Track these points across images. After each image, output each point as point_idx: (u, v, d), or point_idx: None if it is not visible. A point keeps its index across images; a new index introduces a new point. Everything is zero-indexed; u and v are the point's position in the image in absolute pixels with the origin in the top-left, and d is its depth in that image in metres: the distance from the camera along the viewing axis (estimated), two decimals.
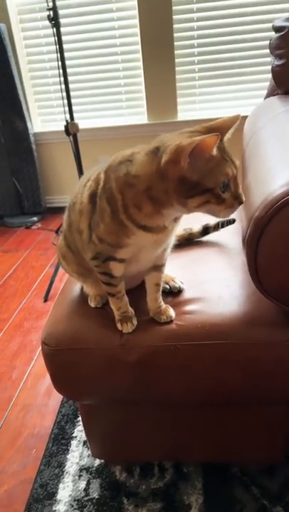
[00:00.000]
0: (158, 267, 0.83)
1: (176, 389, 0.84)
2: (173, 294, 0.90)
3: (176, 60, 2.42)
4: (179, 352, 0.79)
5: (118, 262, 0.77)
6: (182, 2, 2.31)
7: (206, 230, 1.09)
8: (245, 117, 1.34)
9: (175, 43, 2.38)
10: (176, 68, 2.43)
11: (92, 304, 0.89)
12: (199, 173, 0.63)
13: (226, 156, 0.65)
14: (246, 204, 0.74)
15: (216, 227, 1.08)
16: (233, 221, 1.06)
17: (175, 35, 2.36)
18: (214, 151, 0.62)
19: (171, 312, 0.84)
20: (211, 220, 1.08)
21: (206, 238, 1.10)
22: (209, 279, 0.92)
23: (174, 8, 2.30)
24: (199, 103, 2.55)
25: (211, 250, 1.05)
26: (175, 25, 2.34)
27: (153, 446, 1.02)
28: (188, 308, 0.85)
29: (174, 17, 2.33)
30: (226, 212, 0.68)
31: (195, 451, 1.02)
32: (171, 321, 0.83)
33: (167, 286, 0.90)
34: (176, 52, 2.39)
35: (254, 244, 0.68)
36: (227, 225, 1.06)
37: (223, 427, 0.95)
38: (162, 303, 0.85)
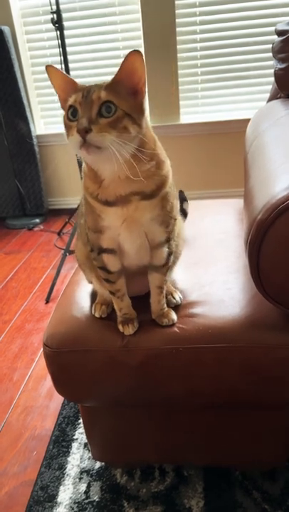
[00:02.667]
0: (158, 268, 0.81)
1: (178, 392, 0.83)
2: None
3: (179, 63, 2.43)
4: (180, 355, 0.79)
5: (108, 253, 0.78)
6: (185, 6, 2.32)
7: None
8: (247, 120, 1.35)
9: (178, 46, 2.39)
10: (179, 71, 2.44)
11: (97, 314, 0.87)
12: (61, 100, 0.69)
13: (85, 88, 0.66)
14: (248, 207, 0.74)
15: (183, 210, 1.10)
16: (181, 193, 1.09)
17: (178, 38, 2.37)
18: (57, 78, 0.68)
19: (174, 316, 0.83)
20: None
21: (206, 240, 1.10)
22: (211, 281, 0.92)
23: (176, 11, 2.32)
24: (202, 106, 2.55)
25: (212, 253, 1.05)
26: (178, 29, 2.35)
27: (154, 449, 1.02)
28: (190, 311, 0.85)
29: (177, 20, 2.34)
30: (70, 141, 0.65)
31: (196, 454, 1.01)
32: (173, 325, 0.82)
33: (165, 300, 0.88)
34: (178, 55, 2.40)
35: (256, 247, 0.68)
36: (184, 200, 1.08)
37: (226, 431, 0.95)
38: (165, 306, 0.85)
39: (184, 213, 1.12)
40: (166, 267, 0.82)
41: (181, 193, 1.12)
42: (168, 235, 0.79)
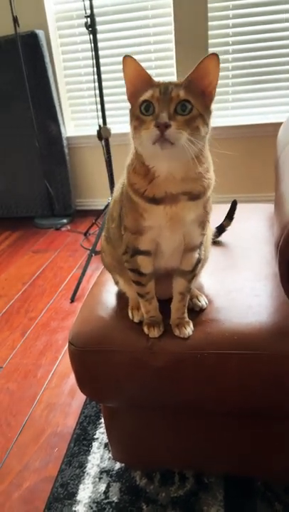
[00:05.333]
0: (184, 274, 0.81)
1: (201, 397, 0.83)
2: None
3: None
4: (205, 360, 0.78)
5: (144, 255, 0.78)
6: (218, 9, 2.31)
7: (220, 229, 1.11)
8: (279, 124, 1.33)
9: (209, 49, 2.37)
10: None
11: (136, 319, 0.87)
12: (135, 99, 0.68)
13: (161, 85, 0.65)
14: (280, 212, 0.73)
15: (228, 222, 1.11)
16: (235, 203, 1.10)
17: (210, 41, 2.36)
18: (132, 71, 0.67)
19: (188, 330, 0.81)
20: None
21: (235, 245, 1.09)
22: (238, 288, 0.91)
23: (209, 14, 2.31)
24: (232, 109, 2.53)
25: (240, 259, 1.04)
26: (210, 32, 2.34)
27: (174, 453, 1.01)
28: (216, 316, 0.84)
29: (209, 23, 2.32)
30: (144, 134, 0.65)
31: (218, 462, 1.00)
32: (185, 339, 0.80)
33: (190, 303, 0.88)
34: None
35: (287, 253, 0.67)
36: (233, 212, 1.11)
37: (248, 440, 0.93)
38: (185, 316, 0.84)
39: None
40: (192, 274, 0.82)
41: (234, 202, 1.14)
42: (202, 238, 0.80)
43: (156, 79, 0.68)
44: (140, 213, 0.74)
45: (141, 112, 0.66)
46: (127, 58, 0.67)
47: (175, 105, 0.64)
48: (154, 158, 0.69)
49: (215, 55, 0.64)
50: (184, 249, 0.79)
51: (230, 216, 1.13)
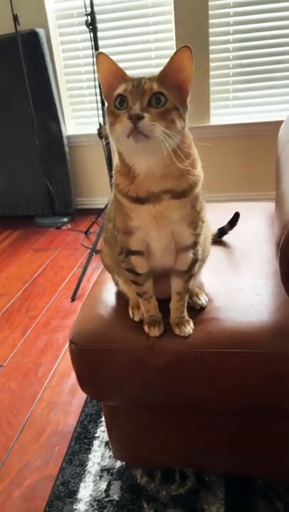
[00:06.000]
0: (180, 274, 0.81)
1: (201, 396, 0.83)
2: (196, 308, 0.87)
3: (211, 64, 2.41)
4: (205, 359, 0.78)
5: (136, 255, 0.78)
6: (218, 6, 2.30)
7: (222, 231, 1.11)
8: (280, 123, 1.32)
9: (210, 47, 2.37)
10: (210, 72, 2.42)
11: (136, 318, 0.87)
12: (104, 90, 0.68)
13: (135, 79, 0.65)
14: (281, 210, 0.73)
15: (229, 227, 1.11)
16: (237, 215, 1.08)
17: (210, 39, 2.35)
18: (105, 67, 0.67)
19: (188, 329, 0.81)
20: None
21: (235, 244, 1.09)
22: (239, 286, 0.91)
23: (210, 12, 2.30)
24: (233, 107, 2.52)
25: (241, 258, 1.04)
26: (211, 30, 2.34)
27: (175, 452, 1.01)
28: (217, 315, 0.84)
29: (210, 21, 2.32)
30: (117, 128, 0.64)
31: (218, 461, 1.00)
32: (185, 337, 0.80)
33: (190, 301, 0.87)
34: (210, 56, 2.39)
35: (287, 252, 0.67)
36: (236, 221, 1.10)
37: (249, 439, 0.93)
38: (185, 314, 0.84)
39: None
40: (188, 274, 0.81)
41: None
42: (195, 238, 0.78)
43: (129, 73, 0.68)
44: (126, 213, 0.74)
45: (115, 106, 0.65)
46: (100, 55, 0.67)
47: (149, 98, 0.63)
48: (131, 154, 0.69)
49: (187, 47, 0.63)
50: (176, 249, 0.78)
51: (232, 223, 1.11)
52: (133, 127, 0.62)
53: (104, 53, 0.67)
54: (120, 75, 0.68)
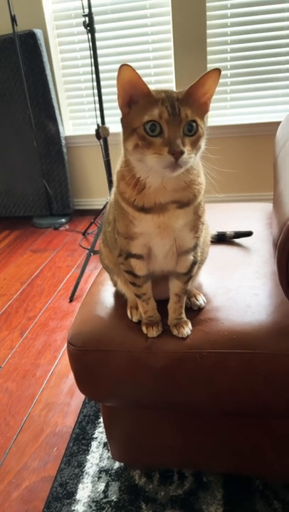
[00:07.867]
0: (180, 276, 0.81)
1: (200, 397, 0.83)
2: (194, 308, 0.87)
3: (208, 65, 2.41)
4: (204, 359, 0.78)
5: (136, 258, 0.78)
6: (216, 7, 2.31)
7: (221, 237, 1.09)
8: (277, 123, 1.33)
9: (208, 48, 2.37)
10: None
11: (135, 319, 0.87)
12: (128, 108, 0.65)
13: (166, 101, 0.62)
14: (278, 211, 0.73)
15: (232, 236, 1.08)
16: (249, 233, 1.05)
17: (208, 40, 2.36)
18: (128, 79, 0.63)
19: (186, 330, 0.81)
20: (228, 229, 1.09)
21: (233, 244, 1.09)
22: (237, 286, 0.91)
23: (208, 13, 2.30)
24: (230, 108, 2.53)
25: (238, 258, 1.04)
26: (208, 31, 2.34)
27: (173, 452, 1.01)
28: (215, 315, 0.84)
29: (208, 22, 2.32)
30: (153, 158, 0.62)
31: (217, 461, 1.00)
32: (183, 339, 0.80)
33: (188, 302, 0.88)
34: (208, 57, 2.39)
35: (285, 252, 0.67)
36: (243, 236, 1.06)
37: (248, 439, 0.93)
38: (183, 316, 0.84)
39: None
40: (188, 276, 0.81)
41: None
42: (196, 241, 0.79)
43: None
44: (130, 220, 0.74)
45: (146, 131, 0.63)
46: (125, 66, 0.63)
47: (183, 127, 0.63)
48: (154, 176, 0.68)
49: (218, 70, 0.64)
50: (178, 253, 0.79)
51: (237, 236, 1.11)
52: (174, 162, 0.61)
53: (129, 65, 0.63)
54: (144, 91, 0.64)
